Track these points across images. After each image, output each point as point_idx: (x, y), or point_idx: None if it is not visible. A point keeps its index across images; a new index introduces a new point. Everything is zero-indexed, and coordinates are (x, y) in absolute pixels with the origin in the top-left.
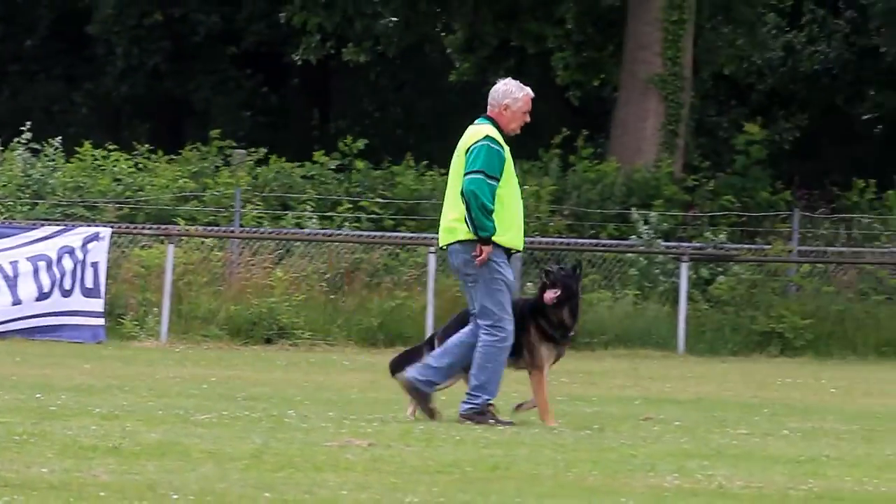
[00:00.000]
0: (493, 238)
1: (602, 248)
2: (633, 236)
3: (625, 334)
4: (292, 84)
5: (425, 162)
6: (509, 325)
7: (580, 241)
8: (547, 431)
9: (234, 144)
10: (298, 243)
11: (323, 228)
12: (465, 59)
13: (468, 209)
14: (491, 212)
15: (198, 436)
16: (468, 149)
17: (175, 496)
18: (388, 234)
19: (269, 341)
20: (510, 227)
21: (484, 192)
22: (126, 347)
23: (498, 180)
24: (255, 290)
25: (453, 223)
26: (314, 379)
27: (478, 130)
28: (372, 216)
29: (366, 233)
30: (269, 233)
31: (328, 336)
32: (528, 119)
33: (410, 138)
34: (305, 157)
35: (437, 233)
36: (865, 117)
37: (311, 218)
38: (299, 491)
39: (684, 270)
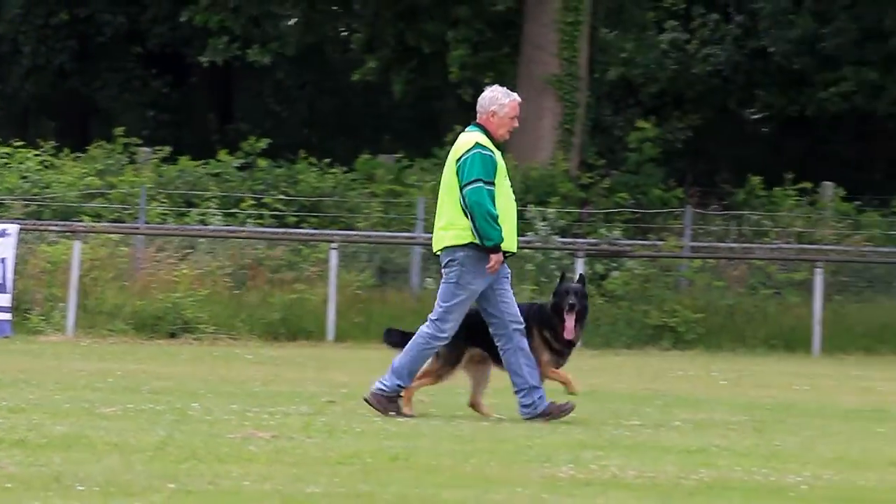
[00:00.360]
0: (478, 243)
1: None
2: (531, 233)
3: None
4: (196, 83)
5: (327, 160)
6: (450, 328)
7: None
8: (446, 423)
9: (140, 142)
10: (202, 239)
11: (227, 225)
12: (370, 59)
13: (473, 220)
14: (496, 218)
15: (103, 428)
16: (458, 159)
17: (81, 487)
18: (291, 230)
19: (173, 336)
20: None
21: (486, 200)
22: (32, 342)
23: (493, 185)
24: (160, 285)
25: (440, 232)
26: (218, 372)
27: (467, 139)
28: (275, 213)
29: (269, 229)
30: (174, 229)
31: (231, 330)
32: (516, 124)
33: (313, 137)
34: (209, 156)
35: (340, 229)
36: (755, 117)
37: (215, 215)
38: (203, 482)
39: (580, 266)
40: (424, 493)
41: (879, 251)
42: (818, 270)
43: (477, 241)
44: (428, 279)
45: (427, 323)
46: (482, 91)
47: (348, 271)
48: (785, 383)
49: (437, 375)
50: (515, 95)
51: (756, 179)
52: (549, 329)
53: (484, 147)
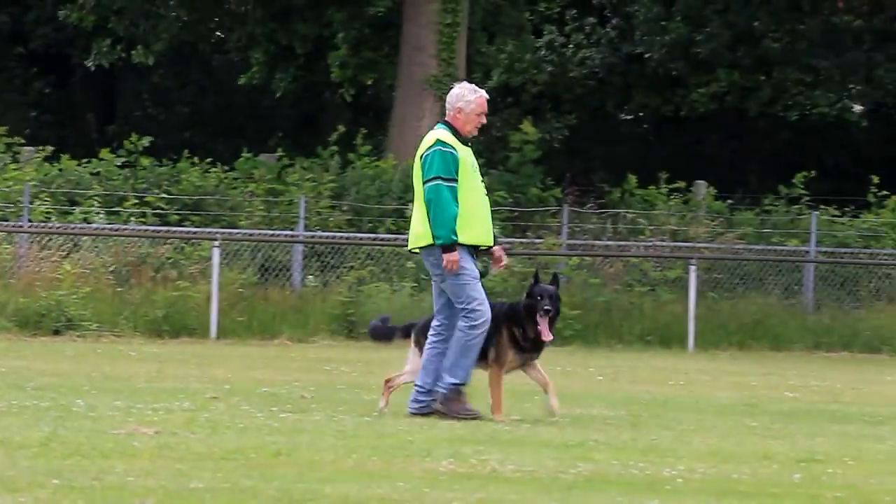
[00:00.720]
0: (456, 237)
1: (380, 242)
2: None
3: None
4: (78, 83)
5: (209, 159)
6: (483, 308)
7: (359, 235)
8: (328, 419)
9: (22, 142)
10: (86, 238)
11: (110, 223)
12: (254, 60)
13: (429, 217)
14: (452, 217)
15: None
16: (421, 156)
17: None
18: (174, 228)
19: (57, 333)
20: (472, 225)
21: (444, 197)
22: None
23: (456, 181)
24: (43, 283)
25: (417, 228)
26: (101, 369)
27: (430, 137)
28: (157, 211)
29: (151, 227)
30: (58, 227)
31: (115, 327)
32: (483, 121)
33: (195, 137)
34: (91, 155)
35: (222, 228)
36: (629, 118)
37: (98, 213)
38: (87, 478)
39: None
40: (307, 487)
41: (751, 249)
42: (692, 268)
43: (456, 237)
44: (309, 277)
45: (439, 331)
46: (364, 91)
47: (230, 269)
48: (660, 378)
49: (414, 372)
50: (482, 92)
51: (631, 178)
52: (518, 327)
53: (445, 144)
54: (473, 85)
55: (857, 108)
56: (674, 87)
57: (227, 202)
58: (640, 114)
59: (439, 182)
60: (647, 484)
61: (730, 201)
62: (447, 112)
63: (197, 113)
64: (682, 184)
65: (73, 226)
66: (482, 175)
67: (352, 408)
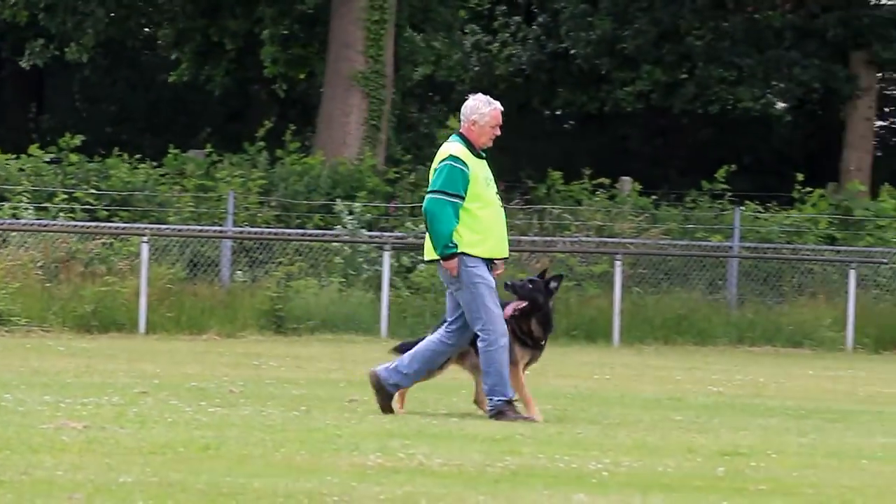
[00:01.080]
0: (469, 251)
1: (308, 238)
2: (339, 226)
3: (330, 320)
4: (7, 78)
5: (138, 155)
6: (498, 324)
7: (288, 230)
8: (257, 414)
9: None
10: (15, 233)
11: (39, 219)
12: (180, 55)
13: (427, 227)
14: (450, 232)
15: None
16: (434, 169)
17: None
18: (103, 224)
19: None
20: (486, 239)
21: (444, 213)
22: None
23: (462, 197)
24: None
25: (428, 242)
26: (30, 364)
27: (444, 150)
28: (86, 207)
29: (80, 223)
30: None
31: (44, 322)
32: (498, 132)
33: (124, 132)
34: (21, 151)
35: (151, 223)
36: (555, 114)
37: (27, 209)
38: (16, 472)
39: (387, 259)
40: (235, 482)
41: (676, 244)
42: (617, 263)
43: (469, 251)
44: (238, 272)
45: (478, 341)
46: (296, 87)
47: (159, 264)
48: (586, 373)
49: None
50: (497, 104)
51: (557, 174)
52: (515, 322)
53: (456, 159)
54: (488, 97)
55: (780, 104)
56: (599, 83)
57: (156, 198)
58: (566, 110)
59: (441, 197)
60: (573, 477)
61: (654, 197)
62: (462, 124)
63: (126, 109)
64: (607, 180)
65: (1, 221)
66: (497, 186)
67: (280, 402)
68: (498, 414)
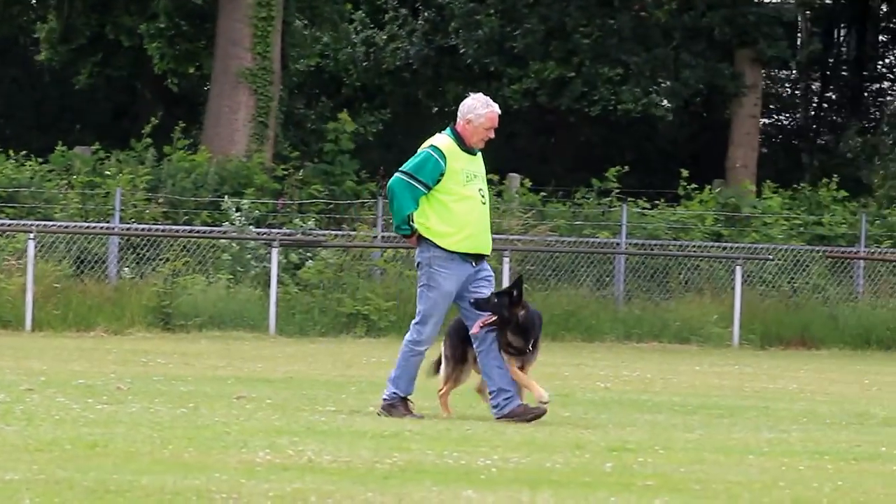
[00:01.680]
0: (438, 241)
1: (196, 235)
2: (226, 223)
3: (218, 316)
4: None
5: (24, 152)
6: (428, 330)
7: (175, 227)
8: (144, 411)
9: None
10: None
11: None
12: (53, 50)
13: (389, 203)
14: (407, 213)
15: None
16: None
17: None
18: None
19: None
20: (457, 233)
21: (402, 193)
22: None
23: (427, 186)
24: None
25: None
26: None
27: (433, 139)
28: None
29: None
30: None
31: None
32: (491, 135)
33: (9, 129)
34: None
35: (37, 220)
36: (444, 111)
37: None
38: None
39: (275, 255)
40: (123, 479)
41: (564, 241)
42: (506, 259)
43: (438, 241)
44: (125, 269)
45: (410, 329)
46: (183, 83)
47: (46, 261)
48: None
49: (454, 379)
50: (495, 107)
51: None
52: (498, 338)
53: (437, 150)
54: (488, 98)
55: (666, 103)
56: (487, 80)
57: (43, 194)
58: (455, 107)
59: (405, 178)
60: (461, 473)
61: (542, 194)
62: (457, 120)
63: (12, 106)
64: (495, 176)
65: None
66: (487, 184)
67: (168, 399)
68: (389, 407)
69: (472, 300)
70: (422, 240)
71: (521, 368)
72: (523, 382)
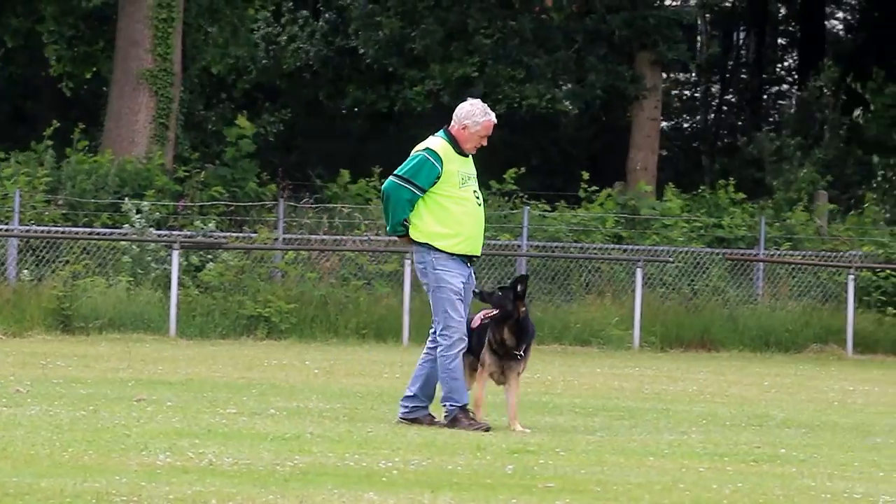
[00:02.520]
0: (435, 243)
1: (96, 237)
2: (127, 225)
3: (119, 319)
4: None
5: None
6: (457, 331)
7: (75, 229)
8: (44, 413)
9: None
10: None
11: None
12: None
13: (384, 206)
14: (401, 217)
15: None
16: (410, 156)
17: None
18: None
19: None
20: (455, 234)
21: (398, 197)
22: None
23: (422, 189)
24: None
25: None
26: None
27: (425, 142)
28: None
29: None
30: None
31: None
32: (484, 143)
33: None
34: None
35: None
36: (344, 112)
37: None
38: None
39: (175, 258)
40: (22, 482)
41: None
42: (407, 262)
43: (436, 243)
44: (24, 271)
45: (433, 339)
46: (80, 85)
47: None
48: (376, 371)
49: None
50: (492, 116)
51: (346, 173)
52: (490, 331)
53: (432, 153)
54: (486, 106)
55: (567, 104)
56: (388, 82)
57: None
58: (356, 108)
59: (401, 182)
60: (363, 476)
61: None
62: (453, 123)
63: None
64: None
65: None
66: (480, 186)
67: (68, 402)
68: (453, 420)
69: (476, 290)
70: (417, 245)
71: (503, 374)
72: (476, 402)
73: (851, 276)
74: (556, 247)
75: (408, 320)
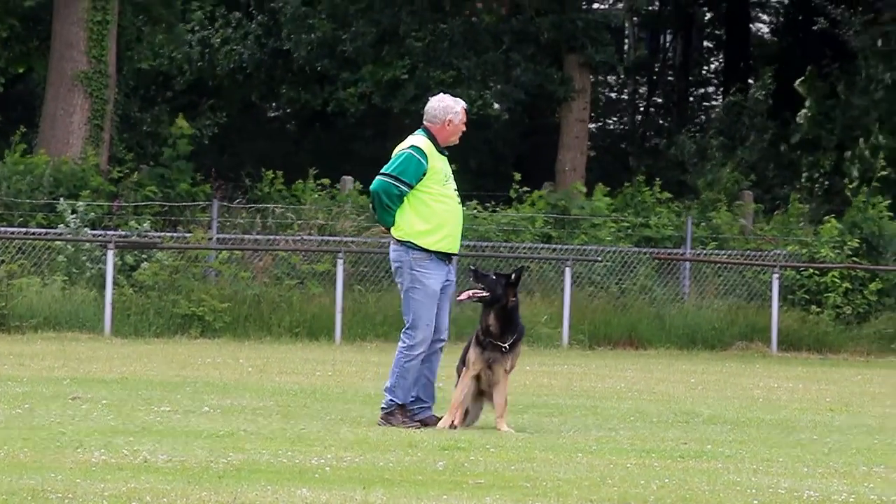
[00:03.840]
0: (417, 241)
1: (31, 237)
2: (62, 225)
3: (54, 318)
4: None
5: None
6: (421, 334)
7: (10, 229)
8: None
9: None
10: None
11: None
12: None
13: (372, 205)
14: (393, 211)
15: None
16: (394, 155)
17: None
18: None
19: None
20: (436, 231)
21: (389, 195)
22: None
23: (410, 186)
24: None
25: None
26: None
27: (409, 140)
28: None
29: None
30: None
31: None
32: (464, 129)
33: None
34: None
35: None
36: (277, 114)
37: None
38: None
39: (110, 257)
40: None
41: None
42: (339, 261)
43: (418, 241)
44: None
45: (400, 337)
46: (13, 85)
47: None
48: (309, 370)
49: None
50: (463, 103)
51: (280, 174)
52: (479, 322)
53: (418, 150)
54: (452, 97)
55: (497, 106)
56: (321, 83)
57: None
58: (289, 110)
59: (390, 181)
60: (296, 472)
61: None
62: (431, 122)
63: None
64: (327, 181)
65: None
66: (456, 183)
67: (3, 400)
68: (388, 415)
69: (472, 267)
70: (397, 243)
71: (490, 368)
72: (454, 404)
73: (776, 275)
74: (486, 246)
75: (340, 319)
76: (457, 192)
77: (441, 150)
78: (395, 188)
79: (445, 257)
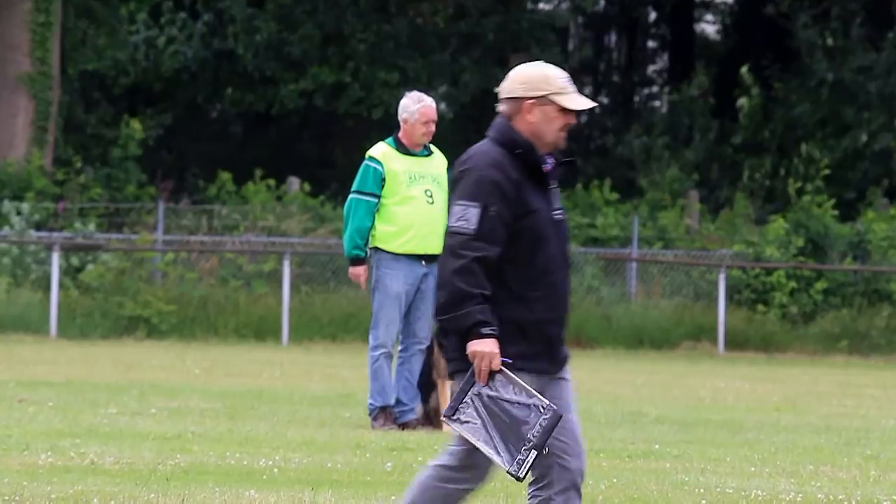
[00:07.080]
0: (383, 245)
1: None
2: (6, 227)
3: None
4: None
5: None
6: (381, 334)
7: None
8: None
9: None
10: None
11: None
12: None
13: (344, 226)
14: (366, 229)
15: None
16: None
17: None
18: None
19: None
20: (401, 234)
21: (355, 211)
22: None
23: (376, 195)
24: None
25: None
26: None
27: (369, 151)
28: None
29: None
30: None
31: None
32: (432, 129)
33: None
34: None
35: None
36: (223, 115)
37: None
38: None
39: (55, 259)
40: None
41: (343, 243)
42: (286, 262)
43: (382, 245)
44: None
45: (402, 343)
46: None
47: None
48: (256, 371)
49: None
50: (428, 101)
51: (226, 175)
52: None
53: (371, 158)
54: (421, 94)
55: (443, 106)
56: (266, 84)
57: None
58: (234, 111)
59: (354, 195)
60: (243, 474)
61: (321, 197)
62: (400, 122)
63: None
64: (272, 181)
65: None
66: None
67: None
68: (372, 419)
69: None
70: (371, 248)
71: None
72: (441, 401)
73: (722, 275)
74: None
75: (287, 320)
76: (429, 192)
77: (407, 151)
78: (361, 202)
79: (417, 259)
